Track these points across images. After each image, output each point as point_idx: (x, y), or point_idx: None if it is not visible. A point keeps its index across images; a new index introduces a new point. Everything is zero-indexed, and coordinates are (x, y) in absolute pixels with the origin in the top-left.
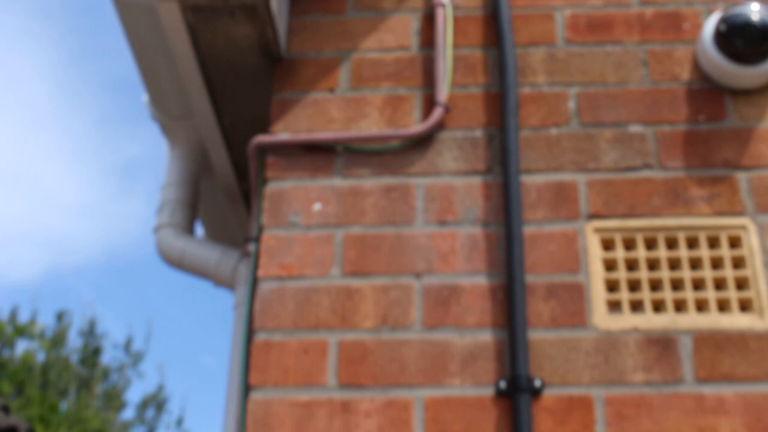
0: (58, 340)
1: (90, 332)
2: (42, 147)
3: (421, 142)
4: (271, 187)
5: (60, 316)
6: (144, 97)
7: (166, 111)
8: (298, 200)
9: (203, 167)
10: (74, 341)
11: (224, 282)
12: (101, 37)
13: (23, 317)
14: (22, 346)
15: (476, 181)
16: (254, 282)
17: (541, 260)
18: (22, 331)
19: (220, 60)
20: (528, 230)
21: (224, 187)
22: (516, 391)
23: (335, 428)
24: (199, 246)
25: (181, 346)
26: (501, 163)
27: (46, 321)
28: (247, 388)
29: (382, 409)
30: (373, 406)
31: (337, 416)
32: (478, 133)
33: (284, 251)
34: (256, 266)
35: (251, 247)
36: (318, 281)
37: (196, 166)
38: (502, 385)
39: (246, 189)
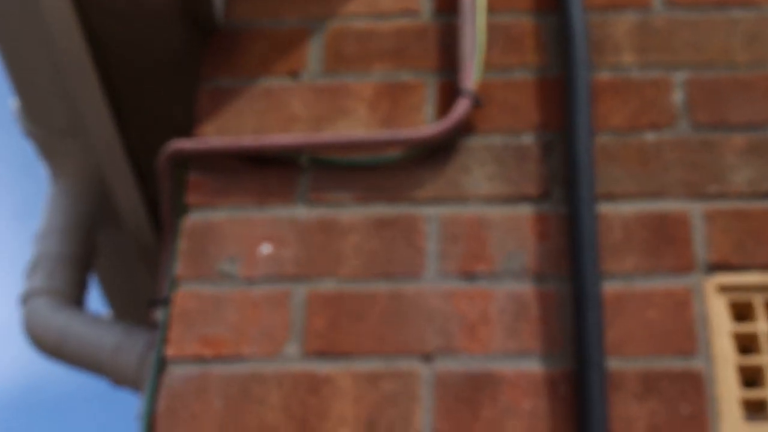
0: None
1: None
2: None
3: (436, 152)
4: (194, 219)
5: None
6: (13, 103)
7: (45, 122)
8: (235, 239)
9: (101, 208)
10: None
11: (126, 378)
12: None
13: None
14: None
15: (524, 211)
16: (160, 367)
17: (631, 335)
18: None
19: (121, 37)
20: (610, 288)
21: (134, 238)
22: None
23: None
24: (88, 324)
25: None
26: (565, 184)
27: None
28: None
29: None
30: None
31: None
32: (528, 140)
33: (210, 318)
34: (163, 342)
35: (158, 315)
36: (264, 365)
37: (89, 205)
38: None
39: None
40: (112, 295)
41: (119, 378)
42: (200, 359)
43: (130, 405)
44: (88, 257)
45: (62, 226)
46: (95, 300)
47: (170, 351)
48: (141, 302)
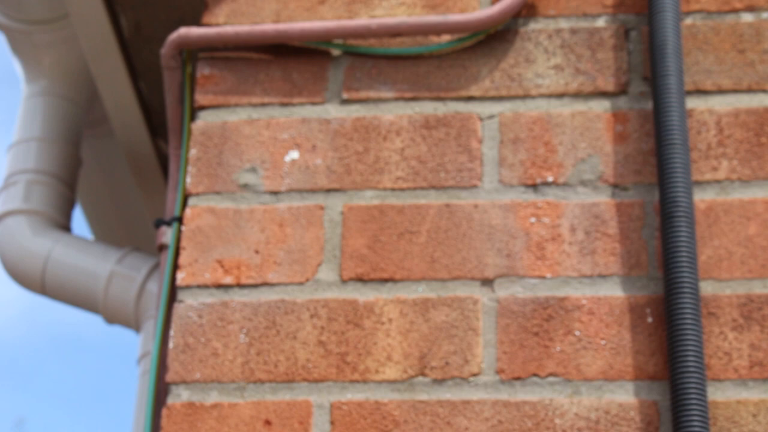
0: None
1: None
2: None
3: (492, 40)
4: (205, 122)
5: None
6: None
7: (18, 11)
8: (256, 145)
9: (87, 114)
10: None
11: (123, 313)
12: None
13: None
14: None
15: (599, 108)
16: (170, 297)
17: (729, 254)
18: None
19: None
20: (703, 198)
21: (127, 150)
22: None
23: None
24: (77, 249)
25: None
26: (647, 77)
27: None
28: None
29: None
30: None
31: None
32: (601, 23)
33: (228, 239)
34: (174, 268)
35: (167, 236)
36: (294, 293)
37: (73, 111)
38: None
39: (166, 152)
40: (95, 217)
41: (114, 314)
42: (219, 286)
43: (127, 345)
44: (71, 172)
45: (40, 134)
46: (76, 224)
47: (183, 278)
48: (132, 226)
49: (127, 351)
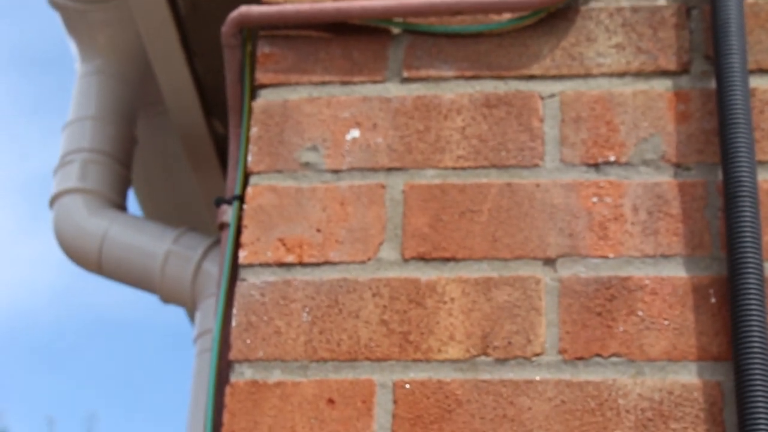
0: None
1: None
2: None
3: (553, 18)
4: (266, 101)
5: None
6: None
7: None
8: (317, 124)
9: (141, 93)
10: None
11: (179, 293)
12: None
13: None
14: None
15: (661, 88)
16: (232, 275)
17: None
18: None
19: None
20: (767, 178)
21: (182, 130)
22: None
23: None
24: (133, 228)
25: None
26: (709, 56)
27: None
28: None
29: None
30: None
31: None
32: (663, 2)
33: (290, 217)
34: (235, 246)
35: (227, 215)
36: (356, 271)
37: (127, 90)
38: None
39: (222, 134)
40: (149, 197)
41: (170, 293)
42: (281, 265)
43: (172, 325)
44: (127, 152)
45: (96, 114)
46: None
47: (245, 256)
48: (185, 207)
49: (172, 330)
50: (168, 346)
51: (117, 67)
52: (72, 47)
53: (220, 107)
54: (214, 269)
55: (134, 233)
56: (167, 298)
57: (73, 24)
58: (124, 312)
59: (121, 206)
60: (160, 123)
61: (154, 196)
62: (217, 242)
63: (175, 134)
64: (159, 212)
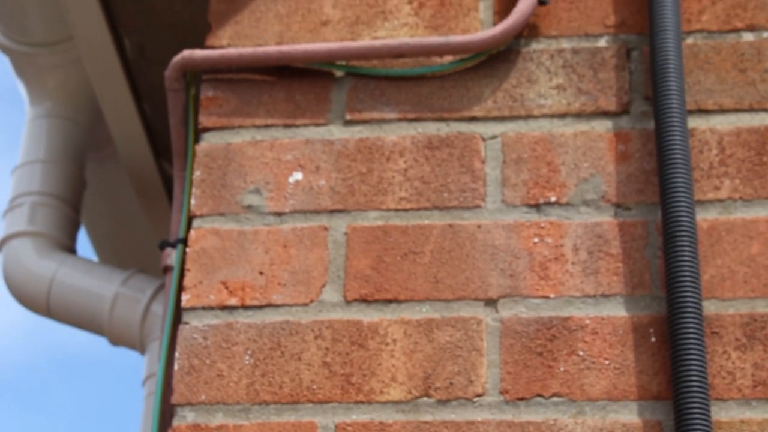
0: None
1: None
2: None
3: (494, 60)
4: (209, 144)
5: None
6: None
7: (22, 33)
8: (260, 167)
9: (91, 135)
10: None
11: (127, 335)
12: None
13: None
14: None
15: (602, 128)
16: (176, 318)
17: (732, 273)
18: None
19: None
20: (706, 217)
21: (132, 172)
22: None
23: None
24: (82, 271)
25: None
26: (649, 96)
27: None
28: None
29: None
30: None
31: None
32: (603, 43)
33: (233, 260)
34: (179, 289)
35: (171, 258)
36: (299, 314)
37: (77, 133)
38: None
39: (171, 176)
40: (100, 239)
41: (119, 335)
42: (224, 308)
43: (132, 367)
44: (77, 194)
45: (45, 157)
46: (80, 245)
47: (187, 299)
48: (136, 248)
49: (132, 372)
50: (124, 387)
51: (66, 110)
52: (22, 90)
53: (169, 149)
54: (162, 311)
55: (83, 276)
56: (116, 341)
57: (22, 67)
58: (94, 349)
59: (71, 249)
60: (111, 165)
61: (106, 237)
62: (167, 273)
63: (126, 176)
64: (112, 254)
